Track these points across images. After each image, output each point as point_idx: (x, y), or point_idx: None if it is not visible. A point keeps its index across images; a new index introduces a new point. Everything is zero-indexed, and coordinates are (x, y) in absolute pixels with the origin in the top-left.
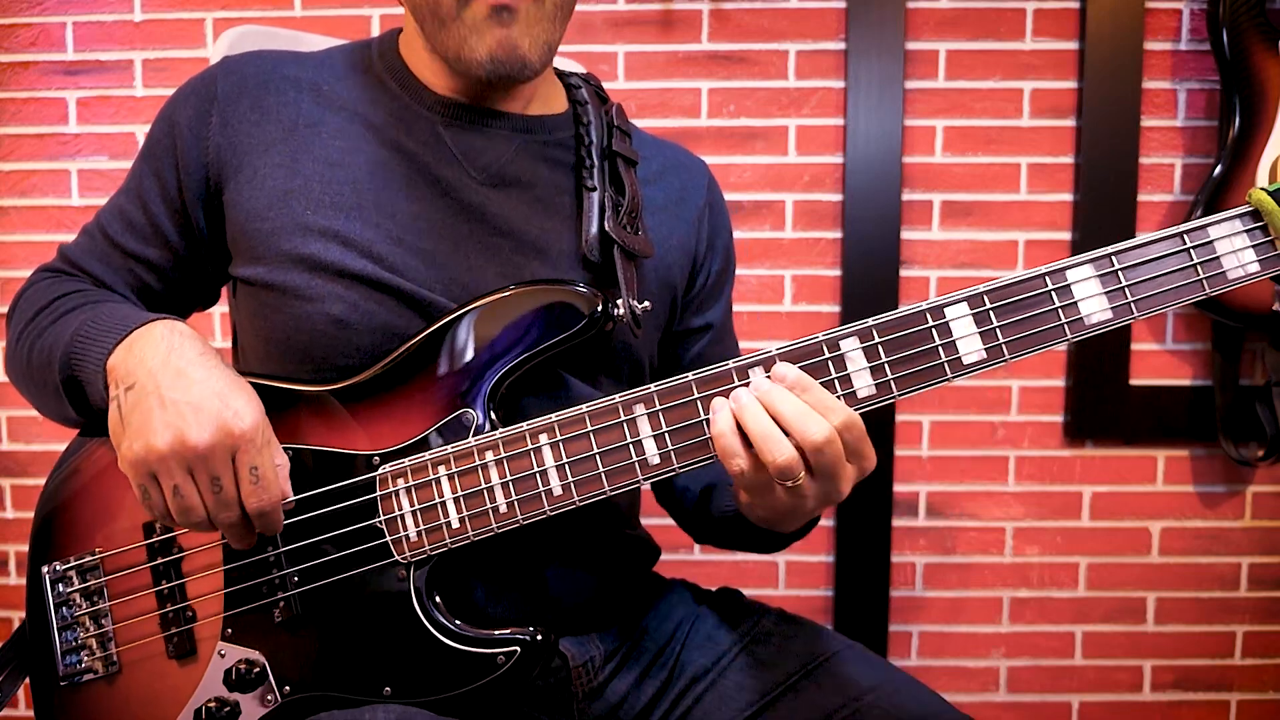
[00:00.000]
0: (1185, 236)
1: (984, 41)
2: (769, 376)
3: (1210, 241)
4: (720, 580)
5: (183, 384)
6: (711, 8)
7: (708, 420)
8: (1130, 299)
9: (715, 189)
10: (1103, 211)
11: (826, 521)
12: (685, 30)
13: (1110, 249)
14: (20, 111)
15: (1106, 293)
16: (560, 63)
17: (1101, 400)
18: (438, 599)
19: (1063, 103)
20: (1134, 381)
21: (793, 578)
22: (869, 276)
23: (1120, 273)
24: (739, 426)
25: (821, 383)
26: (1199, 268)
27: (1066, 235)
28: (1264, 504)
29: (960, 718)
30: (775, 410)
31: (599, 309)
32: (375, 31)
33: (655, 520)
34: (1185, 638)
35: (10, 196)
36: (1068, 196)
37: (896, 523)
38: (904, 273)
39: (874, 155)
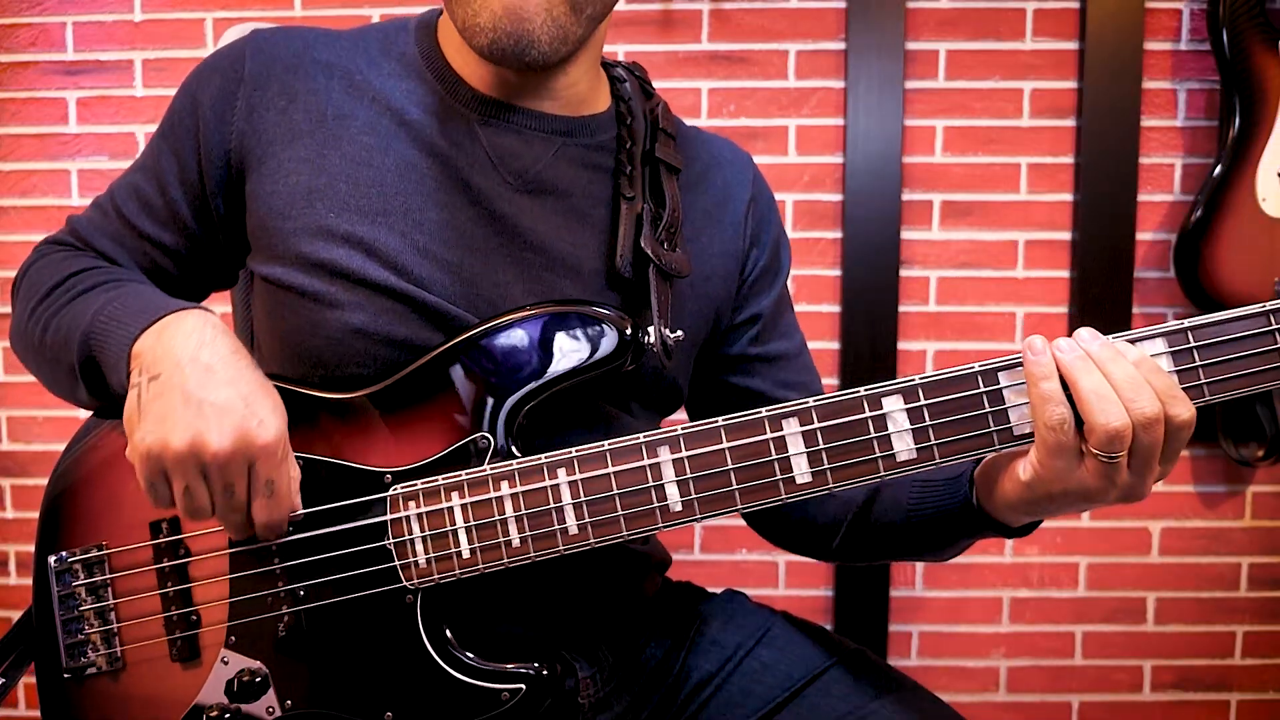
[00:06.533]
0: (1272, 316)
1: (984, 41)
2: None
3: None
4: (721, 579)
5: (210, 382)
6: (711, 8)
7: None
8: (1203, 380)
9: (761, 183)
10: (1103, 211)
11: None
12: (685, 30)
13: (1187, 323)
14: (20, 111)
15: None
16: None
17: None
18: (448, 633)
19: (1063, 103)
20: None
21: (793, 577)
22: (869, 276)
23: (1195, 350)
24: (1063, 380)
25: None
26: None
27: (1066, 235)
28: (1264, 504)
29: None
30: (1106, 370)
31: (627, 336)
32: None
33: None
34: (1185, 638)
35: (10, 196)
36: (1068, 196)
37: None
38: (904, 273)
39: (874, 155)
